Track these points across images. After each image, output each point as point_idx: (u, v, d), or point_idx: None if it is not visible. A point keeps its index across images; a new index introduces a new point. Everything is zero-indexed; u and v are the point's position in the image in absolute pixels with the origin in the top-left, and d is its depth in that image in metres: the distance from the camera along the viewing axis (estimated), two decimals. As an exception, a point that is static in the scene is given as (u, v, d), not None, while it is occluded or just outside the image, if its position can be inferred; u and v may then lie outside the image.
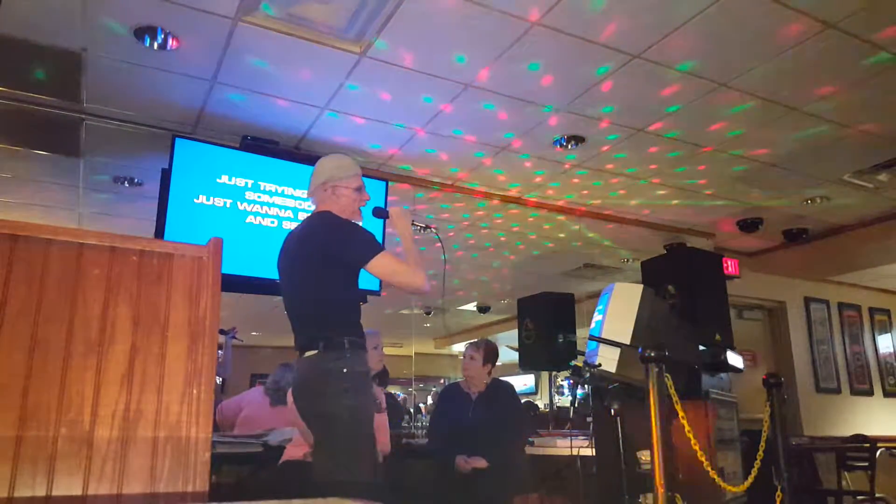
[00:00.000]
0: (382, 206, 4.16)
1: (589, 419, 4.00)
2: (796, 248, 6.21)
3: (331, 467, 2.21)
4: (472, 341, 3.87)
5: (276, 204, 4.00)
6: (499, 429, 3.51)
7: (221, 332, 4.90)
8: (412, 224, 2.62)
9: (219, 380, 4.54)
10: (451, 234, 5.89)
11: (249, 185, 3.91)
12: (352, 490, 1.97)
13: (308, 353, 2.31)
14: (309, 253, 2.39)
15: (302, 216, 4.04)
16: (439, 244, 2.91)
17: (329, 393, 2.22)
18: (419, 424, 6.53)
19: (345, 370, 2.23)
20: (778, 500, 2.73)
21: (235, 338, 5.09)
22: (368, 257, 2.32)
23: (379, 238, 4.02)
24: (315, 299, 2.37)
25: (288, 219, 4.02)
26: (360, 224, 2.49)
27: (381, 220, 3.79)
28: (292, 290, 2.45)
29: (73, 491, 1.57)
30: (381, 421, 3.39)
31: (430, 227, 2.79)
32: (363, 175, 2.62)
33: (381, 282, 4.09)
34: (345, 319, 2.34)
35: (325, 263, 2.34)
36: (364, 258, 2.33)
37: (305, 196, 4.04)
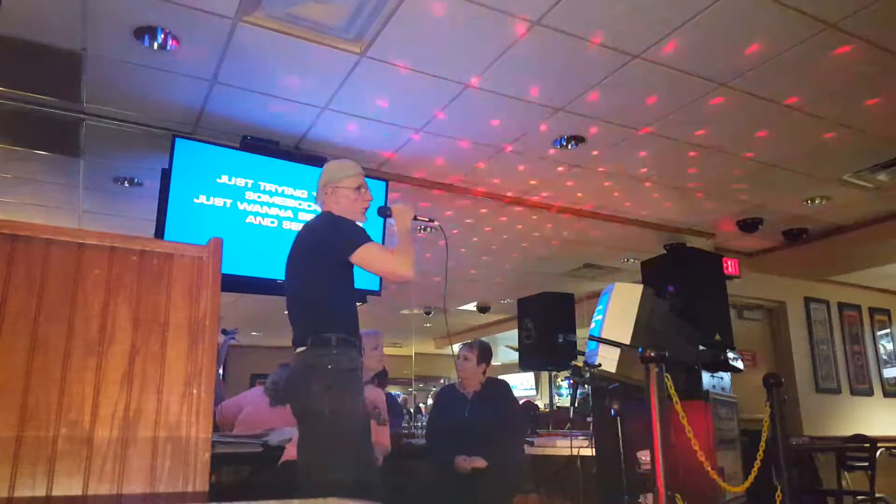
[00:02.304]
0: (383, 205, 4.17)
1: (589, 419, 4.00)
2: (796, 248, 6.21)
3: (311, 464, 2.22)
4: (465, 342, 3.88)
5: (276, 204, 3.99)
6: (496, 428, 3.50)
7: (223, 331, 4.89)
8: (415, 218, 2.65)
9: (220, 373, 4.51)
10: (452, 234, 5.89)
11: (249, 185, 3.91)
12: (332, 490, 1.97)
13: (299, 350, 2.34)
14: (303, 250, 2.46)
15: (302, 216, 4.05)
16: (444, 243, 2.92)
17: (313, 389, 2.22)
18: (419, 424, 6.52)
19: (329, 366, 2.23)
20: (778, 500, 2.73)
21: (235, 339, 5.07)
22: (353, 248, 2.36)
23: (380, 235, 4.03)
24: (307, 296, 2.41)
25: (288, 219, 4.02)
26: (363, 224, 2.51)
27: (382, 219, 3.80)
28: (290, 288, 2.50)
29: (73, 491, 1.57)
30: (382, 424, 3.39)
31: (432, 223, 2.83)
32: (363, 176, 2.64)
33: (380, 281, 4.09)
34: (335, 316, 2.36)
35: (316, 260, 2.39)
36: (349, 249, 2.36)
37: (306, 197, 4.08)
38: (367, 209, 2.61)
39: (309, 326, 2.32)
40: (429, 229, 2.82)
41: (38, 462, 1.56)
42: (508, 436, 3.58)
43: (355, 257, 2.36)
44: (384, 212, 2.74)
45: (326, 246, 2.39)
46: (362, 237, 2.39)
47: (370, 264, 2.40)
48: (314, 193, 2.66)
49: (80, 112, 3.66)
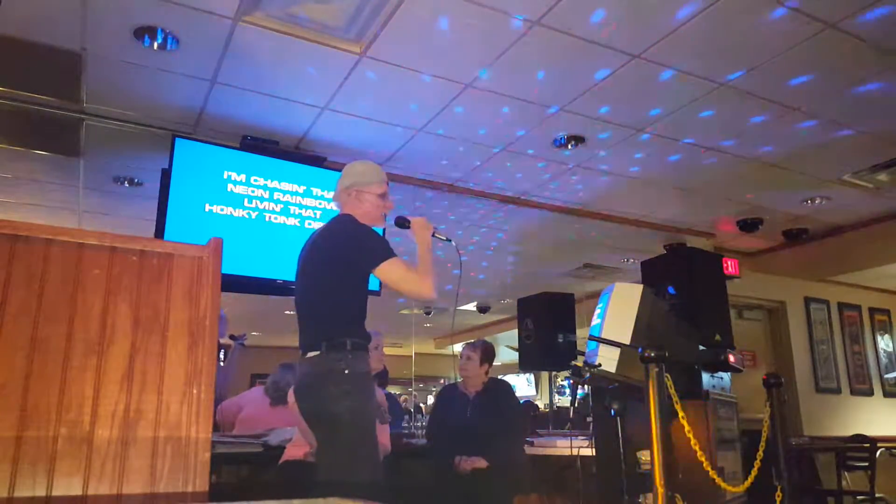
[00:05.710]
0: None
1: (589, 419, 4.00)
2: (796, 248, 6.21)
3: (333, 468, 2.22)
4: (469, 342, 3.88)
5: (276, 203, 3.99)
6: (497, 428, 3.50)
7: (232, 337, 4.88)
8: (433, 235, 2.63)
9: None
10: (451, 234, 5.89)
11: (249, 185, 3.90)
12: (354, 491, 1.98)
13: (311, 354, 2.33)
14: (322, 254, 2.44)
15: (302, 214, 4.05)
16: (453, 245, 2.89)
17: (330, 394, 2.24)
18: (419, 424, 6.52)
19: (346, 371, 2.25)
20: (778, 500, 2.73)
21: (244, 344, 5.05)
22: (377, 262, 2.36)
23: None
24: (324, 300, 2.39)
25: (288, 218, 4.01)
26: (383, 230, 2.51)
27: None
28: (303, 290, 2.49)
29: (73, 491, 1.57)
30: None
31: (450, 240, 2.81)
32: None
33: (379, 282, 4.09)
34: (350, 321, 2.36)
35: (336, 265, 2.38)
36: (373, 263, 2.36)
37: (302, 192, 4.08)
38: (386, 215, 2.62)
39: (323, 331, 2.32)
40: (448, 241, 2.79)
41: (38, 462, 1.56)
42: (509, 436, 3.58)
43: (379, 271, 2.36)
44: (402, 223, 2.70)
45: (350, 255, 2.38)
46: (388, 251, 2.38)
47: (394, 281, 2.38)
48: (332, 193, 2.63)
49: (80, 112, 3.66)
